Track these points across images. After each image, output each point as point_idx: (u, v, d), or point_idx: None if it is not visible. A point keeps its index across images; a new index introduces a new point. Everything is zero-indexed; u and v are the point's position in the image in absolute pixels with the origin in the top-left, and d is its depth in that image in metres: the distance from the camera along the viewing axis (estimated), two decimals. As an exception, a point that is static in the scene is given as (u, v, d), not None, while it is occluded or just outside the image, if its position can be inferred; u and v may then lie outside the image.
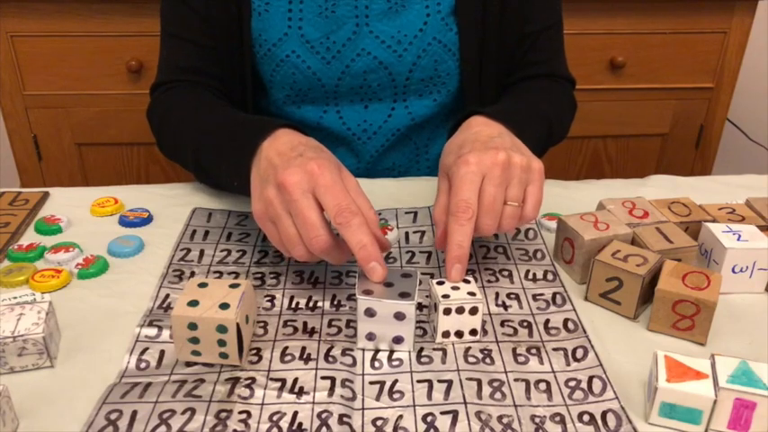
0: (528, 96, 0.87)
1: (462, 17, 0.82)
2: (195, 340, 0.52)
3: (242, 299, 0.53)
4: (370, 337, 0.55)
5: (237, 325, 0.51)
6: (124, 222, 0.73)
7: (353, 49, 0.82)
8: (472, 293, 0.56)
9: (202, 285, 0.54)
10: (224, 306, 0.52)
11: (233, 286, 0.54)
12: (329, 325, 0.58)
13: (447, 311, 0.55)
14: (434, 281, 0.57)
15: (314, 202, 0.56)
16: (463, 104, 0.88)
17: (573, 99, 0.93)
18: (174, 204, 0.77)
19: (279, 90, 0.86)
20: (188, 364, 0.53)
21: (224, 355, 0.53)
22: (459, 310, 0.55)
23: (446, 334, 0.56)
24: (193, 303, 0.52)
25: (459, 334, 0.56)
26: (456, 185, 0.60)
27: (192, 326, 0.51)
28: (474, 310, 0.56)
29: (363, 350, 0.56)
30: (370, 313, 0.54)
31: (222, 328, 0.51)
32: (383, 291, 0.54)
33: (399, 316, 0.54)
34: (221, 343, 0.52)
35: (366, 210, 0.59)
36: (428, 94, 0.87)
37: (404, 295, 0.54)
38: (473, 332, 0.57)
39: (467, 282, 0.57)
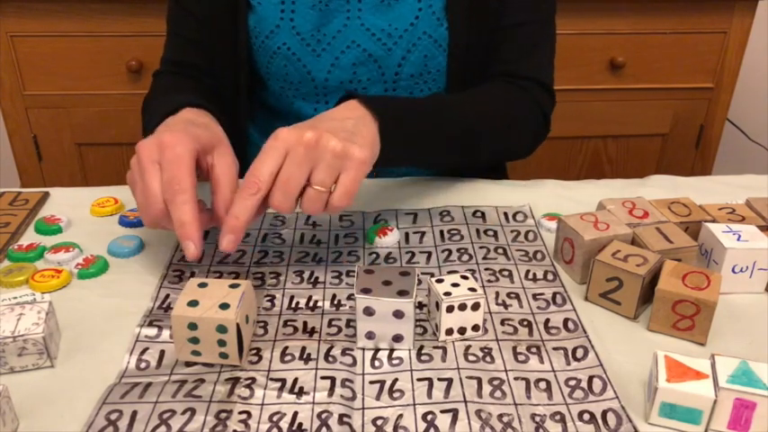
0: (449, 96, 0.81)
1: (454, 13, 0.82)
2: (195, 340, 0.52)
3: (242, 299, 0.53)
4: (370, 335, 0.55)
5: (237, 325, 0.51)
6: (124, 222, 0.73)
7: (343, 41, 0.82)
8: (473, 289, 0.56)
9: (202, 285, 0.54)
10: (224, 306, 0.52)
11: (233, 286, 0.54)
12: (329, 325, 0.58)
13: (450, 309, 0.55)
14: (434, 279, 0.57)
15: (159, 172, 0.59)
16: None
17: (532, 105, 0.86)
18: (174, 204, 0.77)
19: (275, 82, 0.87)
20: (188, 365, 0.53)
21: (224, 355, 0.53)
22: (462, 307, 0.55)
23: (449, 331, 0.56)
24: (193, 303, 0.52)
25: (461, 330, 0.56)
26: (256, 158, 0.59)
27: (192, 326, 0.51)
28: (476, 306, 0.56)
29: (363, 349, 0.56)
30: (368, 312, 0.54)
31: (222, 329, 0.51)
32: (382, 289, 0.54)
33: (398, 314, 0.54)
34: (221, 343, 0.52)
35: (223, 186, 0.61)
36: (418, 91, 0.87)
37: (402, 293, 0.54)
38: (475, 328, 0.57)
39: (465, 278, 0.57)
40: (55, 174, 1.57)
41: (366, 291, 0.54)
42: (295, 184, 0.58)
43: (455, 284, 0.56)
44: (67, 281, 0.63)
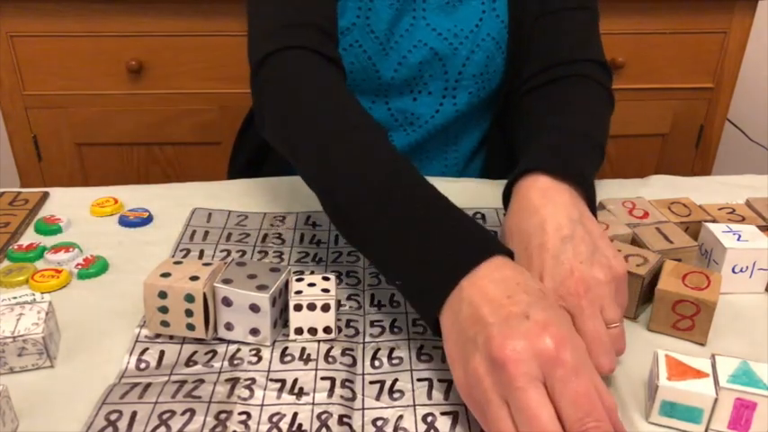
0: (571, 122, 0.71)
1: (513, 14, 0.82)
2: (164, 309, 0.54)
3: (212, 274, 0.54)
4: (228, 326, 0.55)
5: (204, 295, 0.53)
6: (124, 222, 0.73)
7: (411, 40, 0.83)
8: (326, 290, 0.56)
9: (177, 263, 0.56)
10: (194, 278, 0.54)
11: (206, 264, 0.56)
12: (329, 325, 0.58)
13: (298, 307, 0.55)
14: (294, 276, 0.57)
15: (545, 395, 0.42)
16: (499, 100, 0.88)
17: (603, 93, 0.79)
18: (174, 204, 0.77)
19: None
20: (187, 365, 0.53)
21: (191, 327, 0.54)
22: (311, 307, 0.55)
23: (299, 330, 0.56)
24: (166, 275, 0.54)
25: (312, 331, 0.56)
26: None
27: (162, 294, 0.53)
28: (326, 308, 0.55)
29: (363, 349, 0.55)
30: (226, 302, 0.54)
31: (190, 298, 0.53)
32: (243, 282, 0.54)
33: (254, 307, 0.54)
34: (188, 313, 0.53)
35: (605, 400, 0.43)
36: (476, 89, 0.87)
37: (261, 288, 0.54)
38: (327, 330, 0.56)
39: (327, 279, 0.57)
40: (55, 174, 1.57)
41: (227, 281, 0.54)
42: (605, 335, 0.50)
43: (312, 284, 0.56)
44: (67, 281, 0.63)
